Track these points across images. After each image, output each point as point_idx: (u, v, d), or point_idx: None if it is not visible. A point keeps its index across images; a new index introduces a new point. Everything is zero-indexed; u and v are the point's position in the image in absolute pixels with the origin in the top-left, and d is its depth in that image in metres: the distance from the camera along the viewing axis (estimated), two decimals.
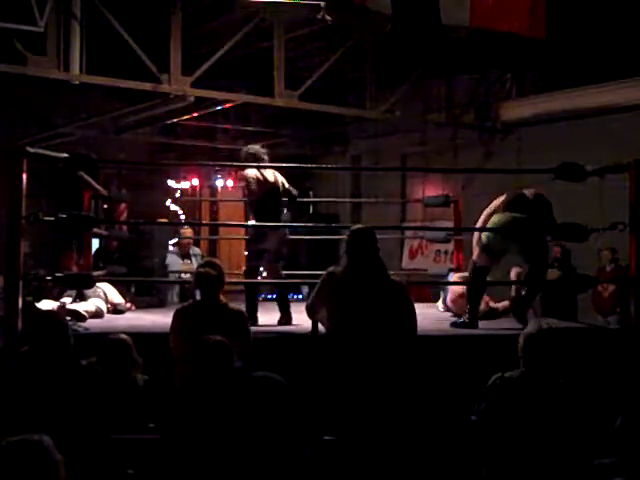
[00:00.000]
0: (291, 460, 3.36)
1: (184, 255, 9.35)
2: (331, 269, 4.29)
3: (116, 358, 4.23)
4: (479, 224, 6.25)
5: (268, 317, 6.40)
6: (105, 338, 4.36)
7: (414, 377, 4.25)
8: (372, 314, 4.11)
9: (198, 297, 4.61)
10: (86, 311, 6.18)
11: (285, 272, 6.75)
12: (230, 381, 3.45)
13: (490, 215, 6.20)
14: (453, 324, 6.10)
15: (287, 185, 6.63)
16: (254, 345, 4.40)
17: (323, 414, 3.98)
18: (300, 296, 9.76)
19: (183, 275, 8.92)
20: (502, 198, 6.25)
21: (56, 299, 6.39)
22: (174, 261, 9.25)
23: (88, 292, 6.54)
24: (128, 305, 7.46)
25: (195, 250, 9.66)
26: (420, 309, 4.44)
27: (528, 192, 6.17)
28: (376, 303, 4.13)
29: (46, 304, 6.06)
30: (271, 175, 6.49)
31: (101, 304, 6.62)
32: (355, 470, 3.84)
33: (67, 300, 6.43)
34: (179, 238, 9.55)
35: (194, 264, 8.73)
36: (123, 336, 4.34)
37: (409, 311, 4.23)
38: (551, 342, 3.74)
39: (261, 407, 3.37)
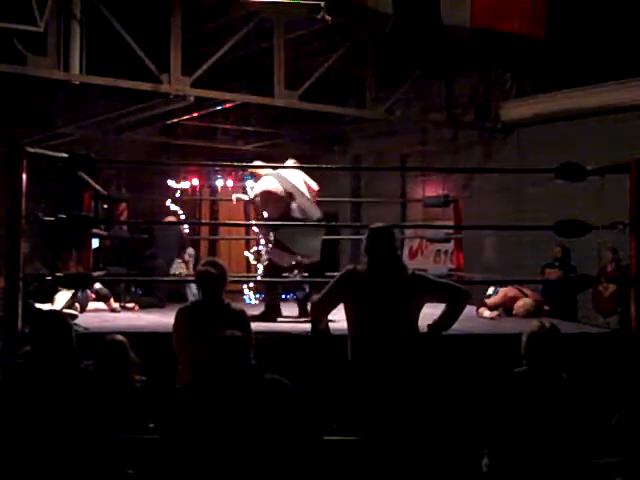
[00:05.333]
0: (292, 464, 3.34)
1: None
2: (351, 267, 4.35)
3: (113, 359, 4.21)
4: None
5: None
6: (101, 340, 4.34)
7: (435, 374, 4.33)
8: (398, 312, 4.19)
9: (192, 297, 4.60)
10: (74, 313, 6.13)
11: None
12: (245, 378, 3.37)
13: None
14: None
15: None
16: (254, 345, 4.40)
17: (325, 414, 3.98)
18: (296, 296, 9.72)
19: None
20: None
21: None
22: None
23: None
24: (130, 305, 7.45)
25: (189, 250, 9.62)
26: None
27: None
28: (401, 301, 4.21)
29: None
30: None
31: (68, 295, 6.42)
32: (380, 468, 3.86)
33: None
34: None
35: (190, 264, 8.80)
36: (119, 337, 4.30)
37: (445, 286, 4.44)
38: (553, 340, 3.76)
39: (269, 411, 3.33)
